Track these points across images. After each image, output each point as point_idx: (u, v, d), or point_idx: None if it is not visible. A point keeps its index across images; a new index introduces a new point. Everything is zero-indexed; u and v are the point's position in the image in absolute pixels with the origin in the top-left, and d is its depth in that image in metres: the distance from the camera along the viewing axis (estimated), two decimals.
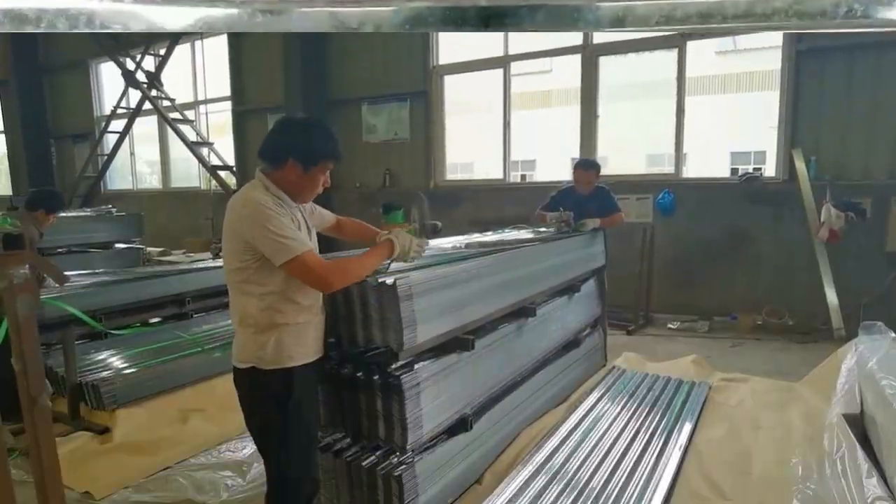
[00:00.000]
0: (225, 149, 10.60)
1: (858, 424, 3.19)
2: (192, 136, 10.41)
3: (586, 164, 4.95)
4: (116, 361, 4.31)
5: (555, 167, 9.22)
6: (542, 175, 11.75)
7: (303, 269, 2.04)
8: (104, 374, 3.97)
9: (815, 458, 3.19)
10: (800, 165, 6.29)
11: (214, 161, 10.36)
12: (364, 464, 2.52)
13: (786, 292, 6.52)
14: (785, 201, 6.45)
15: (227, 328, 5.07)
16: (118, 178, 13.01)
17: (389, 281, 2.40)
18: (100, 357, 4.36)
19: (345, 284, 2.21)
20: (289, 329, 2.12)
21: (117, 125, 11.51)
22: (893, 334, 3.98)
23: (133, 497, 3.17)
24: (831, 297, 6.06)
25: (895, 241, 5.91)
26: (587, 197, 4.86)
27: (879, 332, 4.03)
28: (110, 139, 11.86)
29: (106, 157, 11.70)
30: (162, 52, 10.58)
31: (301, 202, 2.26)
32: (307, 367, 2.19)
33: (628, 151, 8.67)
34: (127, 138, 11.55)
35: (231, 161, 10.44)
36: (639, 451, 3.21)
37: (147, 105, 10.64)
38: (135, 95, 11.05)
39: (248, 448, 3.68)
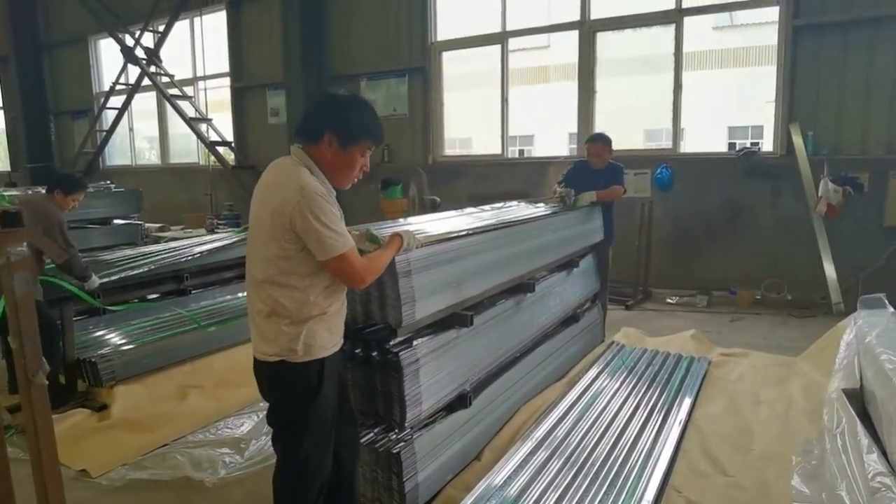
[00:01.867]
0: (224, 125, 10.53)
1: (858, 399, 3.18)
2: (190, 112, 10.34)
3: (596, 138, 4.97)
4: (115, 338, 4.29)
5: (553, 142, 9.14)
6: (540, 150, 11.65)
7: (344, 267, 1.95)
8: (102, 350, 3.95)
9: (816, 434, 3.19)
10: (797, 140, 6.25)
11: (213, 137, 10.30)
12: (363, 441, 2.51)
13: (784, 267, 6.51)
14: (783, 176, 6.41)
15: (224, 304, 5.06)
16: (117, 154, 12.94)
17: None
18: (98, 334, 4.35)
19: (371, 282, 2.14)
20: (323, 319, 2.02)
21: (116, 101, 11.44)
22: (892, 308, 3.97)
23: (130, 475, 3.17)
24: (829, 271, 6.05)
25: (893, 215, 5.89)
26: (598, 171, 4.86)
27: (879, 305, 4.02)
28: (109, 115, 11.80)
29: (105, 133, 11.64)
30: (161, 28, 10.51)
31: (337, 186, 2.07)
32: (335, 355, 2.12)
33: (626, 127, 8.60)
34: (126, 114, 11.49)
35: (230, 137, 10.37)
36: (638, 426, 3.21)
37: (146, 81, 10.60)
38: (134, 71, 11.01)
39: (247, 425, 3.69)
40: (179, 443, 3.51)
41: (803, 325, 5.67)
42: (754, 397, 3.86)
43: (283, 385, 2.06)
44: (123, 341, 4.23)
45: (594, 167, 4.88)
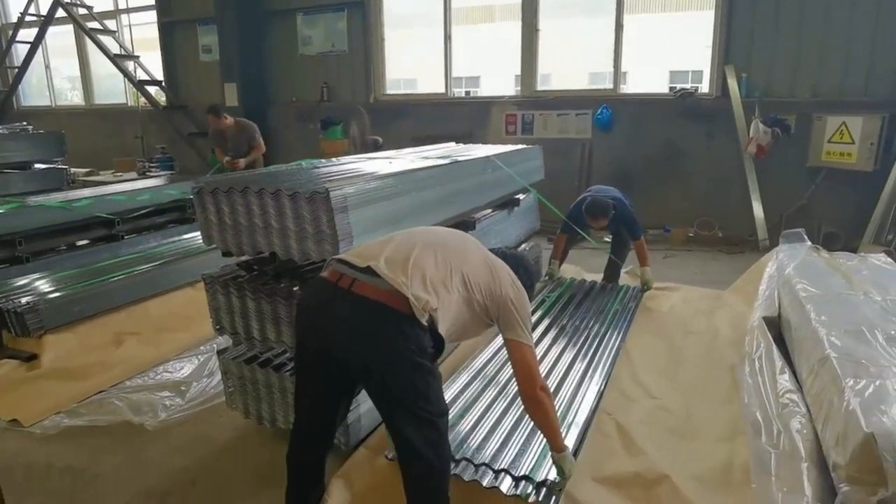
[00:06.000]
0: (153, 63, 9.94)
1: (776, 326, 3.40)
2: (115, 49, 9.67)
3: (595, 212, 4.31)
4: (42, 285, 4.10)
5: (499, 84, 9.08)
6: (486, 92, 11.55)
7: (527, 359, 2.07)
8: (26, 299, 3.77)
9: (738, 359, 3.40)
10: (731, 82, 6.42)
11: (142, 76, 9.71)
12: None
13: (717, 205, 6.78)
14: (718, 118, 6.59)
15: (159, 249, 4.89)
16: (34, 94, 12.06)
17: (322, 190, 2.32)
18: (22, 282, 4.14)
19: (542, 412, 2.10)
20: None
21: (28, 34, 10.52)
22: (810, 242, 4.20)
23: (65, 422, 3.10)
24: (757, 209, 6.35)
25: (815, 156, 6.17)
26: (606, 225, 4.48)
27: (798, 239, 4.25)
28: (20, 50, 10.87)
29: (17, 71, 10.76)
30: None
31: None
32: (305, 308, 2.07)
33: (571, 69, 8.60)
34: (40, 50, 10.61)
35: (160, 76, 9.81)
36: (572, 355, 3.33)
37: (60, 13, 9.73)
38: (45, 1, 10.08)
39: (187, 368, 3.64)
40: (117, 389, 3.43)
41: (732, 261, 5.95)
42: (684, 328, 4.05)
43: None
44: (51, 289, 4.04)
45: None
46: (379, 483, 2.33)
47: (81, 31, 9.68)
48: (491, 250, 2.27)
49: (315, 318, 1.93)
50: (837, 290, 3.21)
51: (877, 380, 2.20)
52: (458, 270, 1.98)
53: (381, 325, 1.80)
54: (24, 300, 3.75)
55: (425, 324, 1.83)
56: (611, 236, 4.78)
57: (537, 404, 2.06)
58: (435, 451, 1.90)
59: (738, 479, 2.42)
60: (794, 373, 2.88)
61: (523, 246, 4.68)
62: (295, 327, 2.08)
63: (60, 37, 10.85)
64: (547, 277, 4.69)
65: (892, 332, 2.62)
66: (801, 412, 2.52)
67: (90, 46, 10.08)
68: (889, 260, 3.89)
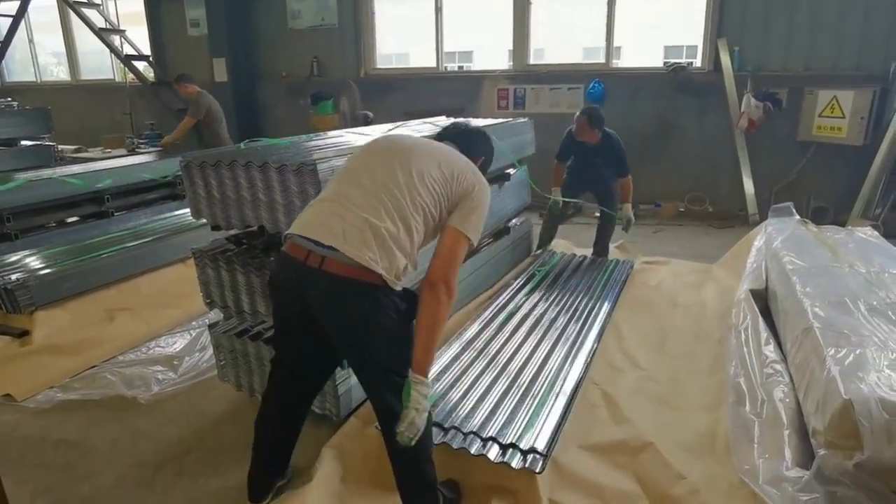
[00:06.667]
0: (140, 38, 9.75)
1: (762, 298, 3.44)
2: (100, 23, 9.49)
3: (585, 115, 4.43)
4: (32, 262, 4.09)
5: (492, 59, 9.00)
6: (479, 66, 11.44)
7: (458, 248, 1.91)
8: (16, 275, 3.76)
9: (725, 331, 3.45)
10: (724, 57, 6.39)
11: (129, 51, 9.56)
12: None
13: (707, 180, 6.80)
14: (710, 92, 6.57)
15: (149, 226, 4.88)
16: (18, 71, 11.84)
17: (309, 163, 2.32)
18: (13, 259, 4.13)
19: (434, 306, 1.84)
20: None
21: (9, 7, 10.28)
22: (798, 216, 4.24)
23: (59, 396, 3.12)
24: (748, 184, 6.38)
25: (806, 130, 6.18)
26: (595, 147, 4.53)
27: (787, 213, 4.29)
28: (2, 24, 10.64)
29: None
30: None
31: None
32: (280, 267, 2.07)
33: (565, 44, 8.53)
34: (23, 24, 10.40)
35: (147, 51, 9.65)
36: (561, 327, 3.37)
37: None
38: None
39: (179, 343, 3.66)
40: (109, 363, 3.46)
41: (722, 235, 5.99)
42: (671, 301, 4.10)
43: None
44: (42, 265, 4.03)
45: (588, 143, 4.52)
46: (369, 453, 2.37)
47: (65, 3, 9.49)
48: (441, 133, 2.34)
49: (289, 295, 1.94)
50: (823, 263, 3.26)
51: (857, 349, 2.25)
52: (419, 207, 1.89)
53: (357, 301, 1.81)
54: (13, 277, 3.73)
55: (399, 288, 1.86)
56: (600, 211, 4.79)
57: (435, 294, 1.82)
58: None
59: (721, 447, 2.47)
60: (779, 344, 2.93)
61: (514, 221, 4.70)
62: (271, 302, 2.09)
63: (44, 11, 10.62)
64: (550, 206, 4.78)
65: (875, 303, 2.67)
66: (785, 381, 2.57)
67: (75, 20, 9.88)
68: (875, 233, 3.94)
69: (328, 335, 1.90)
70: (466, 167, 2.05)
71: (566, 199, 4.73)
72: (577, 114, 4.49)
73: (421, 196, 1.90)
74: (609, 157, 4.58)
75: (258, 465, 2.21)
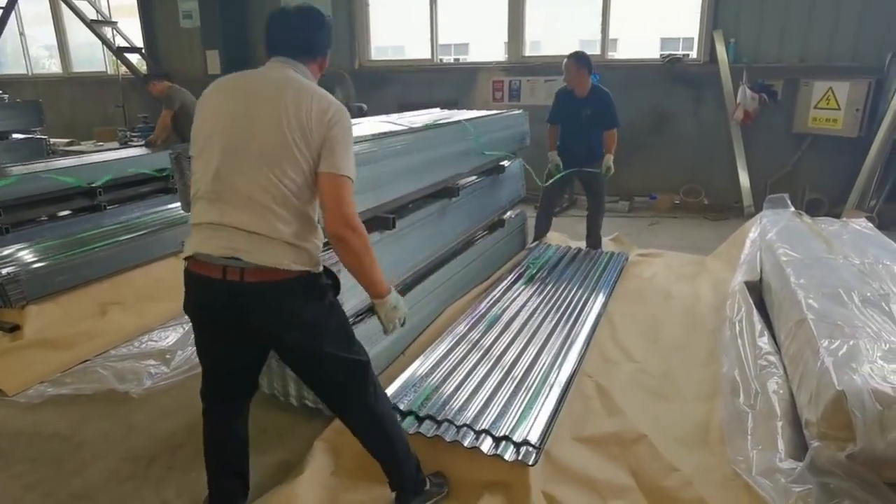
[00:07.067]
0: (132, 30, 9.68)
1: (757, 290, 3.44)
2: (91, 15, 9.42)
3: (573, 56, 4.44)
4: (24, 256, 4.05)
5: (488, 52, 8.96)
6: (475, 58, 11.42)
7: (344, 193, 1.75)
8: (7, 269, 3.73)
9: (719, 323, 3.44)
10: (720, 47, 6.37)
11: (121, 43, 9.48)
12: None
13: (703, 172, 6.80)
14: (706, 83, 6.56)
15: (141, 219, 4.84)
16: (10, 63, 11.75)
17: None
18: (4, 253, 4.09)
19: (351, 252, 1.78)
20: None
21: None
22: (793, 208, 4.23)
23: (50, 391, 3.10)
24: (743, 176, 6.38)
25: (801, 122, 6.17)
26: (584, 100, 4.50)
27: (782, 205, 4.28)
28: None
29: None
30: None
31: None
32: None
33: (561, 36, 8.51)
34: (14, 16, 10.30)
35: (139, 43, 9.58)
36: (555, 320, 3.36)
37: None
38: None
39: (172, 337, 3.65)
40: (102, 358, 3.43)
41: (717, 227, 5.99)
42: (666, 293, 4.09)
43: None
44: (33, 259, 4.00)
45: (578, 95, 4.50)
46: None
47: None
48: (271, 48, 1.97)
49: (215, 317, 1.84)
50: (817, 254, 3.26)
51: (851, 340, 2.24)
52: (291, 184, 1.74)
53: (288, 301, 1.76)
54: (5, 271, 3.70)
55: (320, 269, 1.84)
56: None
57: (344, 244, 1.76)
58: (375, 394, 1.98)
59: (714, 438, 2.47)
60: (773, 335, 2.93)
61: (508, 213, 4.68)
62: (194, 328, 1.95)
63: (35, 3, 10.54)
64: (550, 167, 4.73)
65: (868, 295, 2.67)
66: (779, 373, 2.57)
67: (66, 12, 9.80)
68: (869, 225, 3.94)
69: (263, 339, 1.87)
70: (311, 101, 1.75)
71: (562, 172, 4.67)
72: (565, 60, 4.48)
73: (290, 177, 1.73)
74: (598, 108, 4.52)
75: (221, 495, 2.10)
